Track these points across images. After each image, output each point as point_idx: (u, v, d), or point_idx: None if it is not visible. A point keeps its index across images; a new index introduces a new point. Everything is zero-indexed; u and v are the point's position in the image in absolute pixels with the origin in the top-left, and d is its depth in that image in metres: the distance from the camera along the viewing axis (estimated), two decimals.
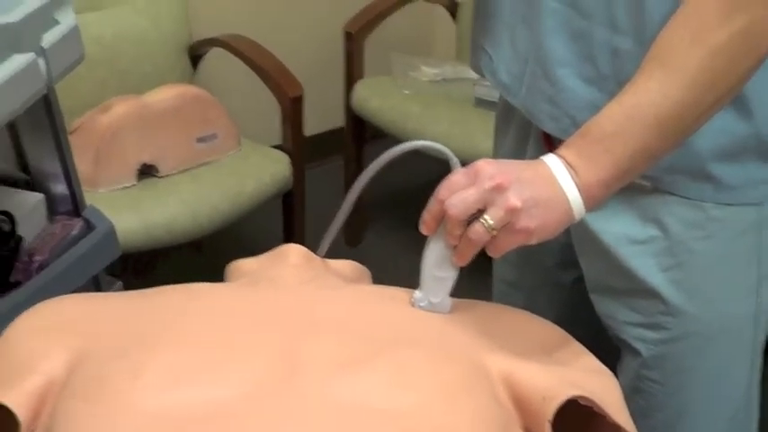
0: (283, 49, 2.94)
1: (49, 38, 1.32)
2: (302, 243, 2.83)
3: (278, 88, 2.71)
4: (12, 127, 1.67)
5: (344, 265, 1.23)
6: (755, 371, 1.41)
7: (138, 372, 0.94)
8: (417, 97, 3.04)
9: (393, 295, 1.14)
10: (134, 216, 2.39)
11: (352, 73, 3.14)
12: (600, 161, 1.10)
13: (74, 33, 1.36)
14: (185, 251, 2.67)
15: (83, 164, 2.40)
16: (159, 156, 2.53)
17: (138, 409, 0.91)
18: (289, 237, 2.76)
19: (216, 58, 3.00)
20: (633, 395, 1.40)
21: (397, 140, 3.02)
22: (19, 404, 0.95)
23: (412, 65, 3.22)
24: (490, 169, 1.06)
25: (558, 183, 1.09)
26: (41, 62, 1.30)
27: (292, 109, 2.69)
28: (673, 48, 1.10)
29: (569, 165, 1.10)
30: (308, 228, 2.82)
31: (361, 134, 3.19)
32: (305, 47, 3.41)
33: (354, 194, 1.18)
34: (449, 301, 1.13)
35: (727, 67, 1.09)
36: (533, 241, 1.08)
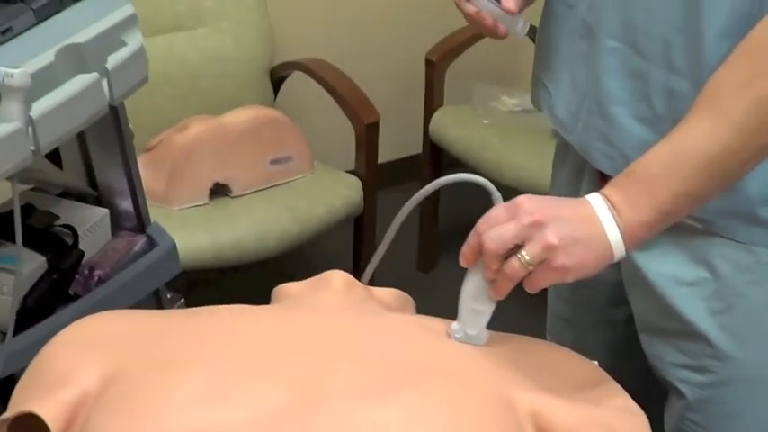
0: (365, 75, 2.97)
1: (114, 59, 1.35)
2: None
3: (354, 114, 2.73)
4: (82, 143, 1.71)
5: (388, 294, 1.24)
6: None
7: (168, 390, 0.96)
8: (496, 127, 3.04)
9: (431, 326, 1.15)
10: (203, 234, 2.43)
11: (432, 101, 3.16)
12: (642, 202, 1.10)
13: (139, 55, 1.39)
14: (252, 270, 2.70)
15: (157, 181, 2.46)
16: (232, 176, 2.57)
17: (164, 426, 0.93)
18: (357, 261, 2.78)
19: (298, 82, 3.04)
20: None
21: (473, 170, 3.03)
22: (52, 415, 0.98)
23: (492, 95, 3.22)
24: (530, 205, 1.06)
25: (599, 222, 1.09)
26: (104, 83, 1.33)
27: (367, 135, 2.71)
28: (722, 92, 1.10)
29: (612, 204, 1.10)
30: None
31: (439, 162, 3.20)
32: (386, 73, 3.44)
33: (397, 224, 1.20)
34: (485, 333, 1.13)
35: None
36: (570, 279, 1.08)
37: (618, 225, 1.09)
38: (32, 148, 1.22)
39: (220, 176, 2.56)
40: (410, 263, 3.10)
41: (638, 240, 1.12)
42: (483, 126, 3.06)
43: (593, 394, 1.10)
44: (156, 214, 2.39)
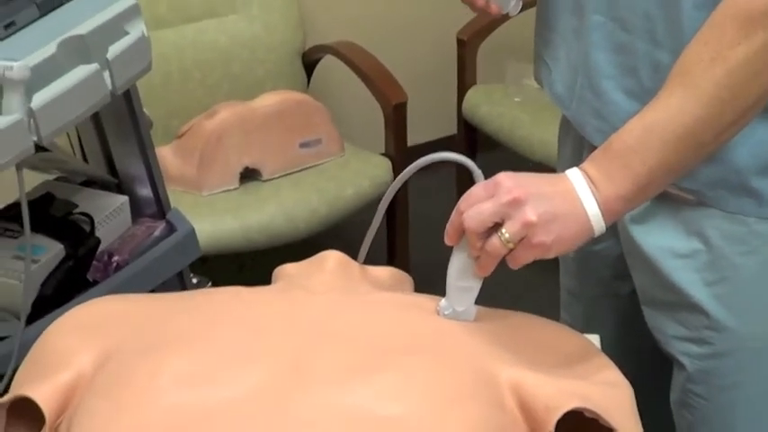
0: (396, 57, 2.99)
1: (115, 49, 1.37)
2: (405, 250, 2.86)
3: (381, 94, 2.75)
4: (100, 132, 1.75)
5: (384, 272, 1.26)
6: None
7: (155, 373, 0.99)
8: (527, 105, 3.05)
9: (421, 304, 1.16)
10: (232, 219, 2.47)
11: (465, 80, 3.17)
12: (619, 176, 1.11)
13: (141, 44, 1.41)
14: (284, 252, 2.73)
15: (188, 167, 2.50)
16: (262, 160, 2.60)
17: (152, 407, 0.96)
18: (392, 242, 2.80)
19: (331, 65, 3.06)
20: (680, 409, 1.40)
21: (506, 149, 3.04)
22: (46, 398, 1.01)
23: (524, 72, 3.21)
24: (509, 183, 1.08)
25: (578, 197, 1.10)
26: (106, 73, 1.35)
27: (395, 115, 2.73)
28: (692, 64, 1.10)
29: (591, 179, 1.11)
30: (415, 234, 2.85)
31: (474, 141, 3.21)
32: (418, 54, 3.45)
33: (385, 203, 1.22)
34: (473, 309, 1.15)
35: (746, 84, 1.09)
36: (551, 255, 1.09)
37: (596, 199, 1.11)
38: (34, 138, 1.25)
39: (250, 161, 2.59)
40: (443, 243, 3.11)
41: (618, 214, 1.13)
42: (515, 104, 3.07)
43: (580, 368, 1.12)
44: (186, 200, 2.45)
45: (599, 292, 1.55)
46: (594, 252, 1.47)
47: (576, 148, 1.45)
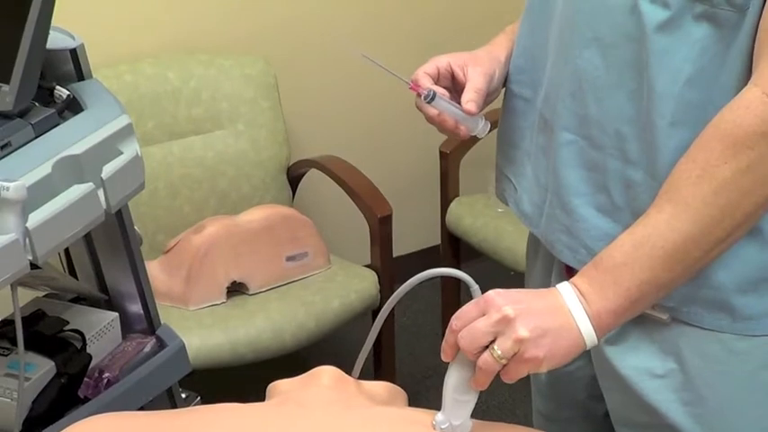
0: (379, 170, 3.02)
1: (109, 168, 1.39)
2: (392, 360, 2.84)
3: (366, 207, 2.78)
4: (91, 248, 1.76)
5: (378, 387, 1.26)
6: None
7: None
8: (510, 215, 3.03)
9: (416, 418, 1.16)
10: (220, 333, 2.47)
11: (448, 192, 3.20)
12: (610, 291, 1.13)
13: (135, 163, 1.44)
14: (271, 365, 2.73)
15: (175, 282, 2.51)
16: (249, 274, 2.61)
17: None
18: (378, 353, 2.80)
19: (315, 179, 3.09)
20: None
21: (490, 259, 3.06)
22: None
23: None
24: (499, 300, 1.10)
25: (569, 312, 1.12)
26: (100, 192, 1.37)
27: (380, 227, 2.75)
28: (680, 183, 1.13)
29: (581, 293, 1.13)
30: (402, 344, 2.85)
31: (457, 252, 3.23)
32: (401, 167, 3.48)
33: (382, 318, 1.23)
34: (469, 423, 1.15)
35: (734, 203, 1.11)
36: (544, 369, 1.11)
37: (587, 313, 1.12)
38: (29, 257, 1.26)
39: (237, 275, 2.60)
40: (434, 351, 3.12)
41: (608, 328, 1.14)
42: (497, 214, 3.09)
43: None
44: (173, 315, 2.45)
45: (574, 414, 1.55)
46: (567, 373, 1.48)
47: (547, 266, 1.46)
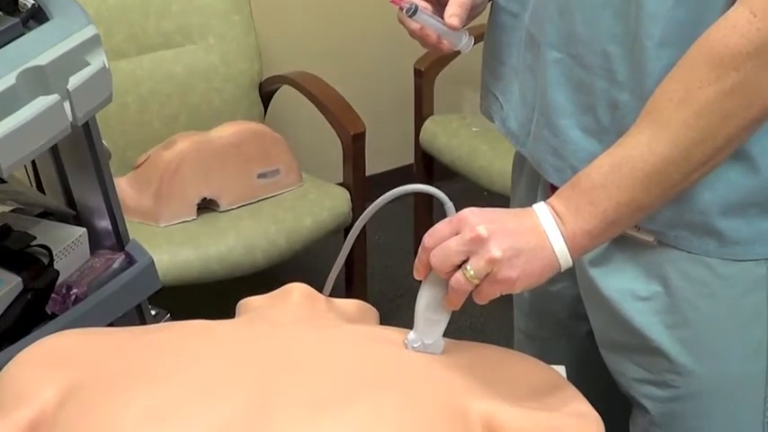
0: (354, 87, 2.99)
1: (75, 80, 1.35)
2: (364, 278, 2.85)
3: (339, 125, 2.75)
4: (58, 163, 1.73)
5: (349, 305, 1.25)
6: None
7: (120, 409, 0.97)
8: (485, 134, 3.05)
9: (388, 336, 1.15)
10: (191, 250, 2.45)
11: (422, 110, 3.17)
12: (586, 212, 1.11)
13: (102, 75, 1.39)
14: (242, 282, 2.72)
15: (145, 198, 2.48)
16: (219, 191, 2.59)
17: None
18: (350, 271, 2.79)
19: (288, 96, 3.06)
20: None
21: (464, 178, 3.05)
22: None
23: None
24: (473, 219, 1.07)
25: (543, 232, 1.10)
26: (66, 104, 1.33)
27: (353, 145, 2.73)
28: (663, 103, 1.10)
29: (557, 214, 1.11)
30: (375, 262, 2.84)
31: (431, 171, 3.21)
32: (376, 85, 3.46)
33: (354, 234, 1.21)
34: (441, 342, 1.14)
35: (716, 126, 1.08)
36: (517, 290, 1.09)
37: (562, 233, 1.10)
38: None
39: (207, 192, 2.57)
40: (406, 269, 3.12)
41: (583, 249, 1.13)
42: (472, 134, 3.07)
43: (550, 400, 1.11)
44: (143, 232, 2.43)
45: (555, 333, 1.54)
46: (551, 292, 1.47)
47: (532, 185, 1.45)
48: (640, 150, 1.10)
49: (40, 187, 1.82)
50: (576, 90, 1.26)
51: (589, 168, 1.13)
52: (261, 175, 2.66)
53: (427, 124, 3.16)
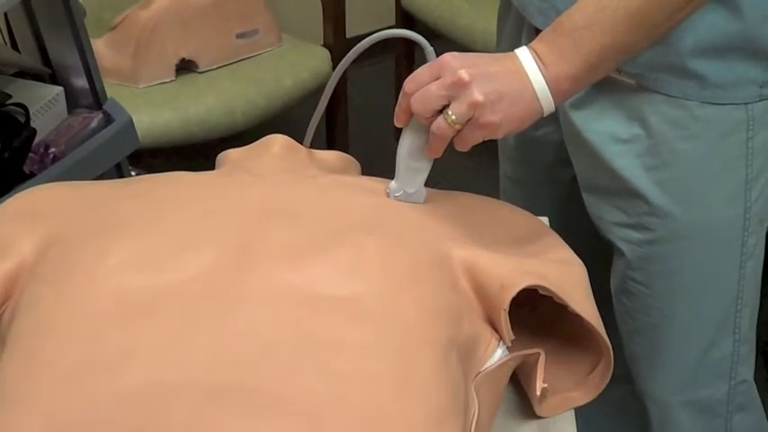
0: None
1: None
2: (345, 140, 2.84)
3: None
4: (33, 22, 1.70)
5: (330, 156, 1.24)
6: (750, 276, 1.37)
7: (101, 257, 0.97)
8: None
9: (369, 186, 1.15)
10: (170, 111, 2.44)
11: None
12: (569, 55, 1.10)
13: None
14: (222, 145, 2.71)
15: (123, 59, 2.45)
16: (198, 51, 2.56)
17: (98, 292, 0.93)
18: (331, 132, 2.78)
19: None
20: (620, 296, 1.41)
21: (447, 39, 3.01)
22: None
23: None
24: (455, 63, 1.06)
25: (526, 76, 1.09)
26: None
27: (333, 5, 2.68)
28: None
29: (539, 57, 1.10)
30: (355, 125, 2.82)
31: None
32: None
33: (333, 84, 1.20)
34: (423, 191, 1.14)
35: None
36: (500, 135, 1.09)
37: (544, 77, 1.09)
38: None
39: (186, 52, 2.54)
40: (387, 132, 3.12)
41: (566, 93, 1.12)
42: None
43: (533, 247, 1.11)
44: (122, 93, 2.40)
45: (539, 178, 1.54)
46: (535, 137, 1.46)
47: (516, 29, 1.43)
48: None
49: (15, 47, 1.79)
50: None
51: (572, 10, 1.11)
52: (240, 35, 2.63)
53: None
